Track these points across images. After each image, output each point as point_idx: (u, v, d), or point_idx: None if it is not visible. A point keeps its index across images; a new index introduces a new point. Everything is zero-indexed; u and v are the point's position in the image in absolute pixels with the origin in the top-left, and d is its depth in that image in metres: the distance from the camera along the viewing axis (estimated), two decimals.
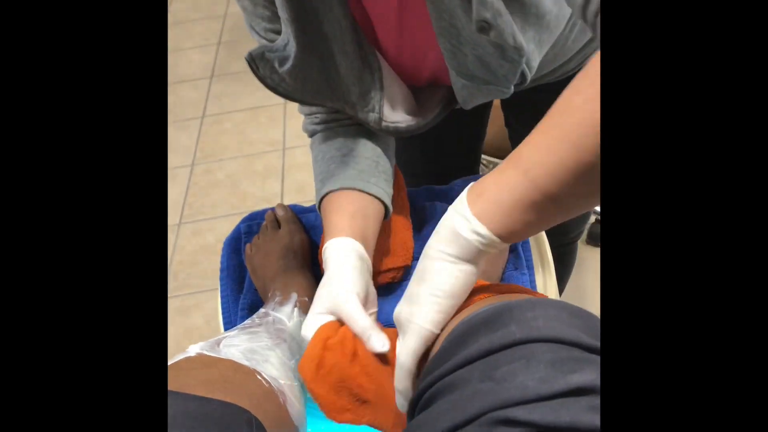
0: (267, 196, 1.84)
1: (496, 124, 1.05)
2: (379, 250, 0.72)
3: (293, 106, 2.19)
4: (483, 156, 1.49)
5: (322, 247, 0.62)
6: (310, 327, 0.55)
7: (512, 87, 0.63)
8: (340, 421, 0.52)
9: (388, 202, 0.68)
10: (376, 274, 0.71)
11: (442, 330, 0.47)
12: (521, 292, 0.53)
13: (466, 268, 0.46)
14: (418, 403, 0.42)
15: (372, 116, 0.65)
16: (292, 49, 0.59)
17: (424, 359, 0.47)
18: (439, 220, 0.48)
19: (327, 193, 0.66)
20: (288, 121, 2.11)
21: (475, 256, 0.45)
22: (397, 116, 0.67)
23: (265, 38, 0.63)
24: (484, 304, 0.47)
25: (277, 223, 0.82)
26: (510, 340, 0.37)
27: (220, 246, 0.86)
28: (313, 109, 0.71)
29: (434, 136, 0.78)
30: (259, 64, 0.60)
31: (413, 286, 0.48)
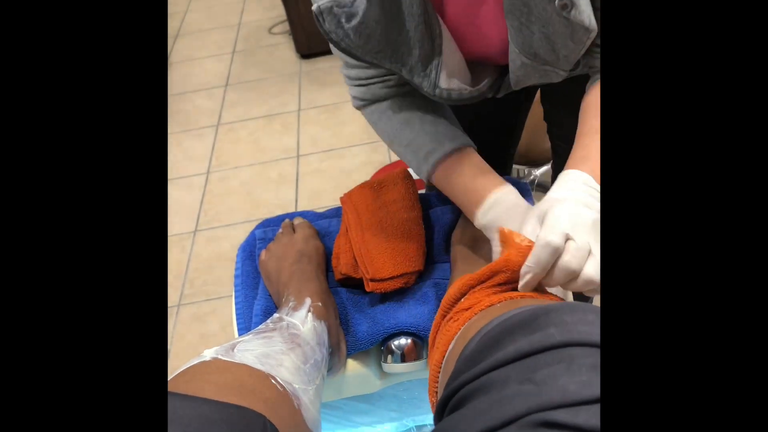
0: (281, 203, 1.85)
1: (523, 132, 1.05)
2: (394, 254, 0.72)
3: (307, 114, 2.22)
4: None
5: (485, 199, 0.66)
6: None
7: (568, 70, 0.64)
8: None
9: None
10: (388, 278, 0.71)
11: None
12: (542, 295, 0.53)
13: None
14: (450, 403, 0.42)
15: (426, 81, 0.67)
16: (360, 6, 0.60)
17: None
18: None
19: (453, 151, 0.70)
20: (302, 129, 2.12)
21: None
22: (450, 83, 0.68)
23: None
24: (515, 305, 0.47)
25: (292, 231, 0.82)
26: (549, 342, 0.37)
27: (235, 253, 0.86)
28: (370, 72, 0.72)
29: (468, 130, 0.79)
30: (326, 17, 0.61)
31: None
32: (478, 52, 0.69)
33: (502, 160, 1.04)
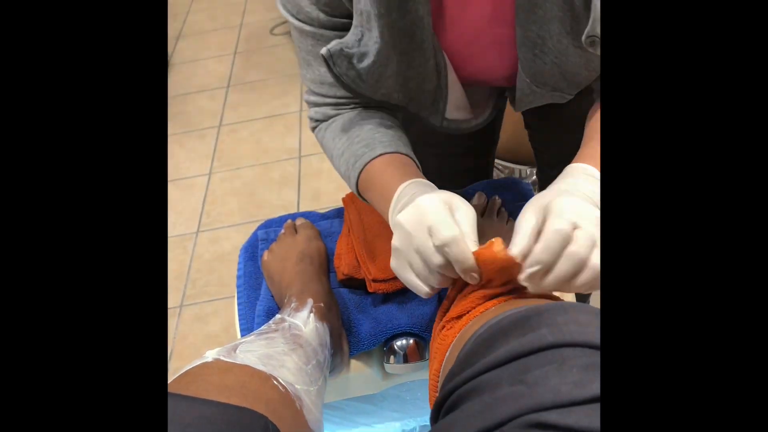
0: (283, 204, 1.85)
1: (509, 129, 1.04)
2: None
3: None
4: (497, 161, 1.49)
5: (396, 190, 0.59)
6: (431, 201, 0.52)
7: (574, 94, 0.64)
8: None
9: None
10: (391, 279, 0.71)
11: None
12: (542, 295, 0.53)
13: None
14: (444, 405, 0.42)
15: (435, 115, 0.66)
16: (372, 45, 0.58)
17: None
18: None
19: (382, 154, 0.64)
20: (304, 129, 2.12)
21: None
22: (455, 114, 0.68)
23: (316, 6, 0.61)
24: (510, 306, 0.47)
25: (294, 232, 0.82)
26: (542, 343, 0.37)
27: (237, 254, 0.86)
28: (326, 99, 0.69)
29: (447, 138, 0.79)
30: (336, 60, 0.59)
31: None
32: (480, 78, 0.69)
33: (483, 161, 1.04)
